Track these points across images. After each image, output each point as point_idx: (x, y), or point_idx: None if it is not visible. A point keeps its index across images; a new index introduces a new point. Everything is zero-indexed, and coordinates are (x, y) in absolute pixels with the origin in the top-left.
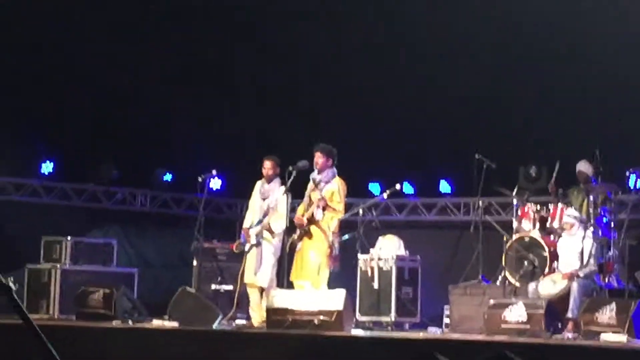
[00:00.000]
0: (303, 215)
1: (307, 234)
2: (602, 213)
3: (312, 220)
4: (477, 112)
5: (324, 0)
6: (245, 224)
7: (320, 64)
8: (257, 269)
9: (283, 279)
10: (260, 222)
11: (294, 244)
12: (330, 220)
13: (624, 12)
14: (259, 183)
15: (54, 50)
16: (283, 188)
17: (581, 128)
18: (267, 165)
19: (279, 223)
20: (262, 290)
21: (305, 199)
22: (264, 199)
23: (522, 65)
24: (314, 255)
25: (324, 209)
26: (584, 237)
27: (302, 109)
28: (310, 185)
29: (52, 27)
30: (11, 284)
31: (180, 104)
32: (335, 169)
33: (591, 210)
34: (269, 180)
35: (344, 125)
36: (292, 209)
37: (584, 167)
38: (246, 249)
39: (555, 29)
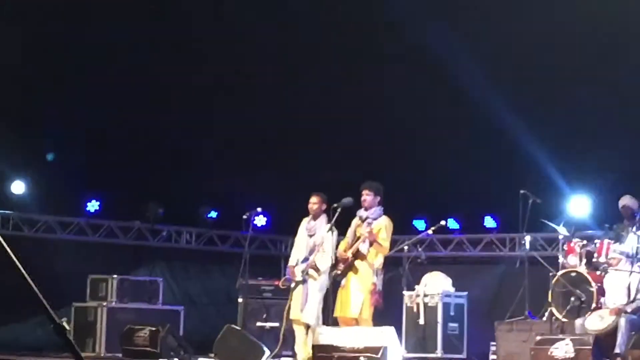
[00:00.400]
0: (346, 251)
1: (352, 268)
2: None
3: (357, 255)
4: (522, 147)
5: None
6: (291, 262)
7: (364, 102)
8: (303, 305)
9: (328, 315)
10: (306, 259)
11: (337, 279)
12: (375, 257)
13: None
14: (305, 220)
15: (98, 88)
16: (329, 225)
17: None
18: (314, 201)
19: (324, 260)
20: (307, 327)
21: (350, 234)
22: (310, 236)
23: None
24: (358, 291)
25: (371, 243)
26: (631, 273)
27: (347, 146)
28: (356, 221)
29: (98, 63)
30: (65, 324)
31: (224, 141)
32: (382, 208)
33: (638, 245)
34: (316, 217)
35: (389, 161)
36: (337, 245)
37: (629, 201)
38: (292, 285)
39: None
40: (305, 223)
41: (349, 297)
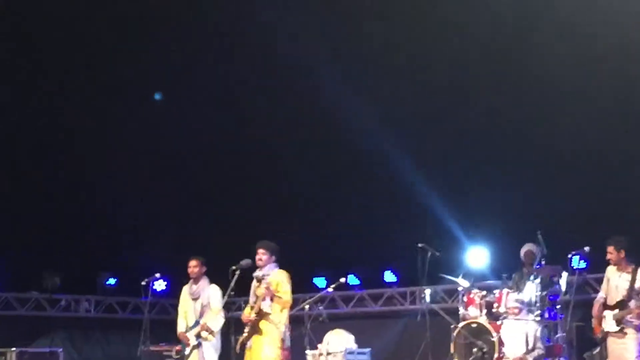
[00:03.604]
0: (250, 314)
1: (257, 329)
2: (547, 295)
3: (260, 314)
4: (419, 200)
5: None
6: (180, 328)
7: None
8: None
9: None
10: (197, 322)
11: (243, 342)
12: (280, 313)
13: None
14: (186, 287)
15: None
16: (214, 286)
17: (520, 211)
18: (193, 264)
19: (217, 321)
20: None
21: (252, 298)
22: (195, 299)
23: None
24: (268, 350)
25: (272, 299)
26: (528, 321)
27: (245, 208)
28: (254, 283)
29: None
30: None
31: (120, 208)
32: (277, 264)
33: (537, 293)
34: (197, 280)
35: (287, 220)
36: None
37: (532, 247)
38: (187, 352)
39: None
40: (187, 288)
41: (258, 357)
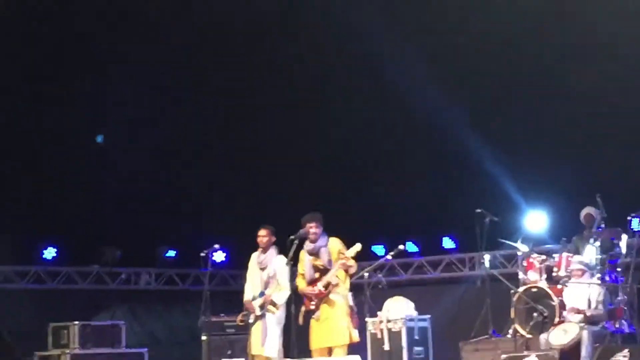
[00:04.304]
0: (313, 285)
1: (327, 302)
2: (607, 259)
3: (329, 287)
4: (478, 165)
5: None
6: (246, 297)
7: (317, 130)
8: (264, 340)
9: (293, 348)
10: (262, 293)
11: (311, 314)
12: (345, 280)
13: None
14: (254, 254)
15: (52, 133)
16: (281, 257)
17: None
18: (263, 234)
19: (282, 294)
20: None
21: (307, 270)
22: (262, 269)
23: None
24: (341, 321)
25: (346, 270)
26: (590, 284)
27: (302, 178)
28: (308, 257)
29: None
30: None
31: (179, 179)
32: (325, 233)
33: (597, 256)
34: (265, 250)
35: (343, 189)
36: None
37: (592, 211)
38: (251, 320)
39: None
40: (256, 257)
41: (330, 327)
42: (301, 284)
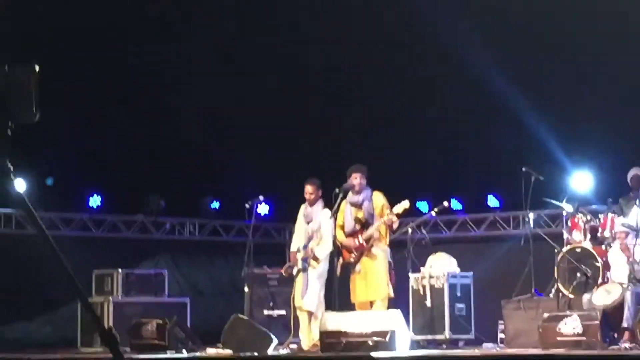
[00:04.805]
0: (354, 238)
1: (368, 254)
2: None
3: (371, 241)
4: (524, 124)
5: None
6: (293, 248)
7: (363, 85)
8: (304, 293)
9: (334, 301)
10: (305, 246)
11: (348, 266)
12: (386, 236)
13: None
14: (303, 206)
15: (94, 81)
16: (326, 211)
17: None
18: (308, 190)
19: (323, 248)
20: (310, 314)
21: (348, 221)
22: (307, 222)
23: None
24: (380, 273)
25: (389, 227)
26: (635, 245)
27: (346, 131)
28: (350, 208)
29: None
30: (114, 333)
31: (223, 130)
32: (368, 186)
33: None
34: (312, 204)
35: (389, 144)
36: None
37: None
38: (294, 272)
39: None
40: (303, 209)
41: (371, 281)
42: (340, 235)
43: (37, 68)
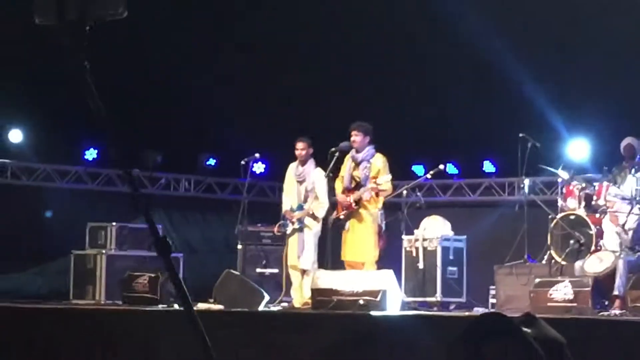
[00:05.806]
0: (345, 193)
1: (356, 216)
2: None
3: (360, 203)
4: (521, 90)
5: None
6: (286, 206)
7: (360, 47)
8: (300, 252)
9: (327, 259)
10: (301, 207)
11: (338, 223)
12: (378, 199)
13: None
14: (292, 165)
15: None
16: (319, 170)
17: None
18: (300, 147)
19: (322, 209)
20: (303, 272)
21: (346, 177)
22: (300, 182)
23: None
24: (366, 235)
25: (376, 194)
26: (628, 214)
27: (342, 91)
28: (350, 164)
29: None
30: (169, 241)
31: (222, 88)
32: (373, 146)
33: (637, 187)
34: (303, 163)
35: (386, 107)
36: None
37: (633, 141)
38: (288, 231)
39: None
40: (294, 169)
41: (356, 241)
42: (339, 187)
43: None
